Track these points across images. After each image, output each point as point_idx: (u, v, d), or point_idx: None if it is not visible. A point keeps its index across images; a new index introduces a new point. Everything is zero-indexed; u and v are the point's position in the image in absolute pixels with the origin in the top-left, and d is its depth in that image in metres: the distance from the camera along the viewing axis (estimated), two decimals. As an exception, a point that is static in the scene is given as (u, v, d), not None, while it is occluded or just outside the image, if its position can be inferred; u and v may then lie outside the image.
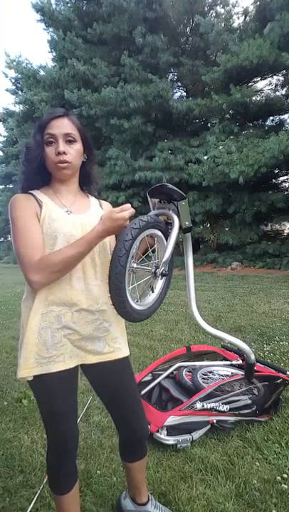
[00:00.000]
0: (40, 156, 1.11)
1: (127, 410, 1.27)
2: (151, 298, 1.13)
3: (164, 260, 1.05)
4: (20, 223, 1.07)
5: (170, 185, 1.07)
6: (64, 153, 1.10)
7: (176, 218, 1.08)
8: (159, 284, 1.15)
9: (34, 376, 1.10)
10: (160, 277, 1.06)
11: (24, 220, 1.07)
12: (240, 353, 2.65)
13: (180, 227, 1.10)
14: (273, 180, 12.90)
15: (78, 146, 1.14)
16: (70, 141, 1.11)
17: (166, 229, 1.11)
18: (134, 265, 1.06)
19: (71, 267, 1.06)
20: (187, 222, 1.10)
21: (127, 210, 1.02)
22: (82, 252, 1.04)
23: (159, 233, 1.11)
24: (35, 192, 1.14)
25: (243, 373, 2.33)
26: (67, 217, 1.12)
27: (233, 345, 1.08)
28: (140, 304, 1.10)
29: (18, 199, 1.10)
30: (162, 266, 1.05)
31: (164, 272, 1.05)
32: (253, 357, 1.04)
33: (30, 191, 1.14)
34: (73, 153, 1.12)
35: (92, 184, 1.28)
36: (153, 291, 1.14)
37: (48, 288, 1.09)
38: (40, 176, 1.16)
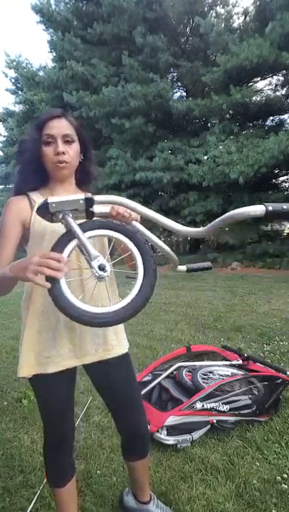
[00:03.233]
0: (37, 152, 1.11)
1: (126, 408, 1.27)
2: (123, 302, 0.98)
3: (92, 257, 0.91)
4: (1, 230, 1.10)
5: None
6: (63, 153, 1.10)
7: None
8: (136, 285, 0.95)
9: (33, 375, 1.12)
10: (99, 274, 0.89)
11: (4, 228, 1.10)
12: (240, 352, 2.66)
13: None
14: (273, 180, 12.92)
15: (76, 146, 1.15)
16: (68, 141, 1.12)
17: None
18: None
19: None
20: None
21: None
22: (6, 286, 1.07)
23: (115, 234, 0.98)
24: (30, 192, 1.15)
25: (243, 373, 2.34)
26: None
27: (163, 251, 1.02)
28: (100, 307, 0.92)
29: (10, 203, 1.12)
30: (96, 259, 0.89)
31: (101, 265, 0.89)
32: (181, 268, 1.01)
33: (26, 192, 1.15)
34: (72, 153, 1.13)
35: (92, 183, 1.28)
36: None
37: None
38: (35, 175, 1.16)
